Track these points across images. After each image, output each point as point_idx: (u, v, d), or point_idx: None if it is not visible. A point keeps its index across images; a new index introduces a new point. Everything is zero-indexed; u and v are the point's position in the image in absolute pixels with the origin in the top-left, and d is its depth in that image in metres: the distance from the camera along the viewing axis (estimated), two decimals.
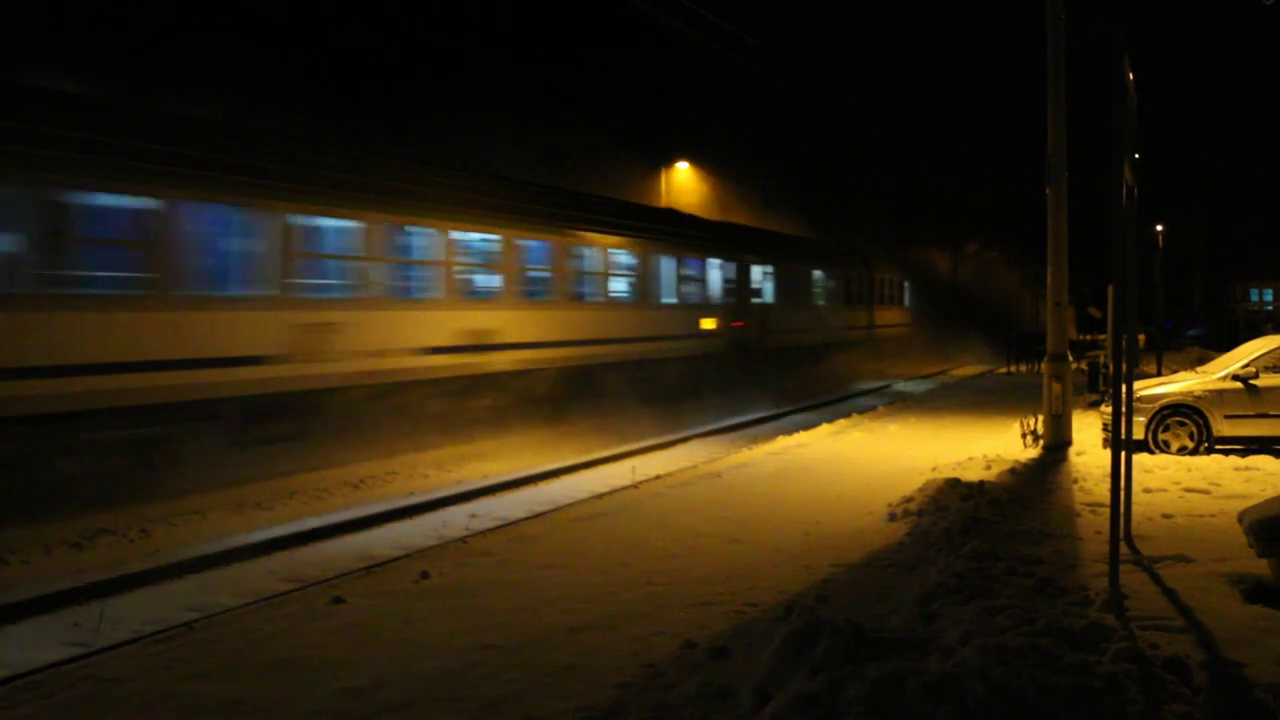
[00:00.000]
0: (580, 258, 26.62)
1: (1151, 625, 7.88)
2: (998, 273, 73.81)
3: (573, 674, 7.63)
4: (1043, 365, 19.15)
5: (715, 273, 34.01)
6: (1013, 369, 45.08)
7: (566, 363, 25.65)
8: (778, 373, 37.43)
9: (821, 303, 43.89)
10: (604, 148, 46.79)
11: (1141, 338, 35.67)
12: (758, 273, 37.14)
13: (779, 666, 6.81)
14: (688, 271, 32.15)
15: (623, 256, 28.58)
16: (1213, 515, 12.36)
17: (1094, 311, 34.18)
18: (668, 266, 30.95)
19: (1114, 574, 8.88)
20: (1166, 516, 12.34)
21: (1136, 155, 11.38)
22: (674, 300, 31.23)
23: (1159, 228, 60.91)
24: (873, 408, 30.13)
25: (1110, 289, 15.37)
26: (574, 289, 26.36)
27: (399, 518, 15.77)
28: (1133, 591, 8.84)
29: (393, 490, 17.93)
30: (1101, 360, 28.56)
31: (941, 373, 50.12)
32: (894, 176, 64.64)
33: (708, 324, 33.01)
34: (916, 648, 7.04)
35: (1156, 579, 9.50)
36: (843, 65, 69.25)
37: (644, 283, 29.51)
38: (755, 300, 36.87)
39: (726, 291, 34.63)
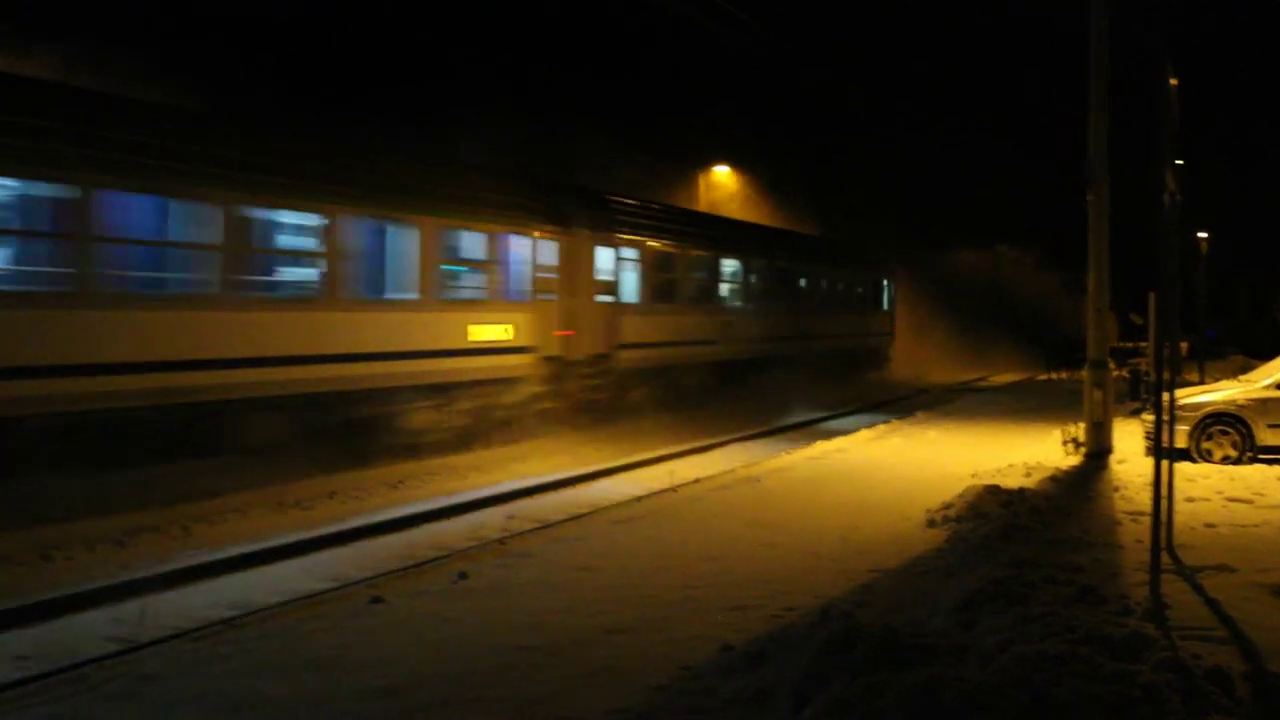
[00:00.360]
0: (160, 218, 16.46)
1: (1193, 635, 7.83)
2: (1035, 276, 73.29)
3: (609, 675, 7.64)
4: (1083, 372, 19.03)
5: (520, 255, 23.18)
6: (1052, 376, 44.78)
7: (118, 400, 15.20)
8: (638, 406, 27.34)
9: (738, 304, 33.95)
10: (638, 152, 45.73)
11: (1184, 345, 35.44)
12: (607, 259, 26.28)
13: (816, 671, 6.80)
14: (455, 252, 21.74)
15: (291, 221, 18.50)
16: (1256, 525, 12.28)
17: (1135, 318, 33.95)
18: (402, 241, 20.29)
19: (1155, 583, 8.82)
20: (1209, 526, 12.26)
21: (1179, 161, 11.30)
22: (415, 296, 20.30)
23: (1202, 235, 60.34)
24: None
25: (1152, 296, 15.26)
26: (139, 274, 16.09)
27: (438, 518, 15.82)
28: (1174, 601, 8.79)
29: (431, 490, 17.98)
30: (1143, 368, 28.36)
31: (979, 379, 49.46)
32: (922, 177, 64.14)
33: (492, 333, 22.10)
34: (954, 654, 7.01)
35: (1198, 589, 9.44)
36: (873, 64, 68.68)
37: (339, 265, 18.53)
38: (603, 298, 25.98)
39: (541, 285, 23.77)
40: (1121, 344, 39.76)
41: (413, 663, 8.00)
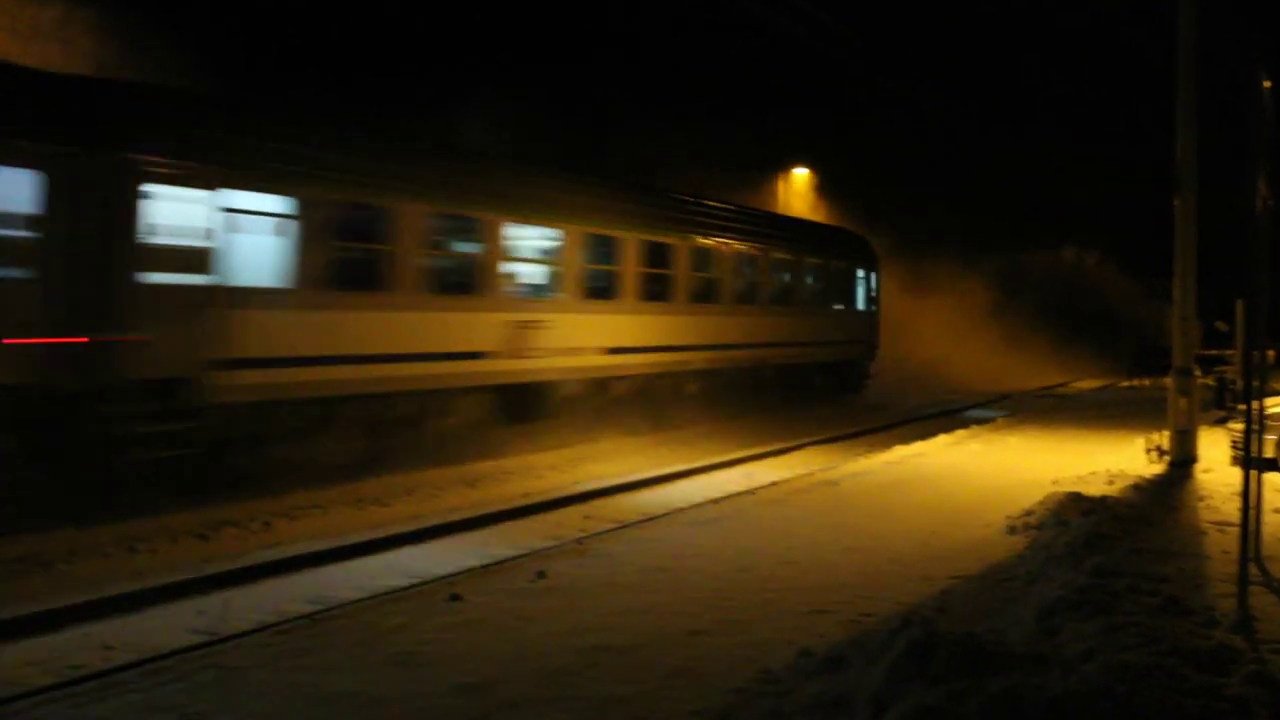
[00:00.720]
0: None
1: None
2: (1118, 280, 72.31)
3: (687, 677, 7.65)
4: (1167, 379, 18.73)
5: None
6: (1134, 382, 44.14)
7: None
8: (281, 469, 16.57)
9: (561, 295, 21.99)
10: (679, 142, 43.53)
11: (1271, 353, 34.74)
12: (193, 208, 14.89)
13: (896, 677, 6.75)
14: None
15: None
16: None
17: (1221, 326, 33.37)
18: None
19: (1242, 594, 8.67)
20: None
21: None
22: None
23: None
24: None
25: (1239, 303, 15.00)
26: None
27: (514, 517, 15.90)
28: (1262, 613, 8.64)
29: (508, 490, 18.07)
30: (1229, 375, 27.87)
31: (1060, 385, 48.71)
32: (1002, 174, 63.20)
33: None
34: (1037, 663, 6.93)
35: None
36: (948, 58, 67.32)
37: None
38: (175, 279, 14.68)
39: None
40: (1206, 351, 39.07)
41: (491, 661, 8.06)
